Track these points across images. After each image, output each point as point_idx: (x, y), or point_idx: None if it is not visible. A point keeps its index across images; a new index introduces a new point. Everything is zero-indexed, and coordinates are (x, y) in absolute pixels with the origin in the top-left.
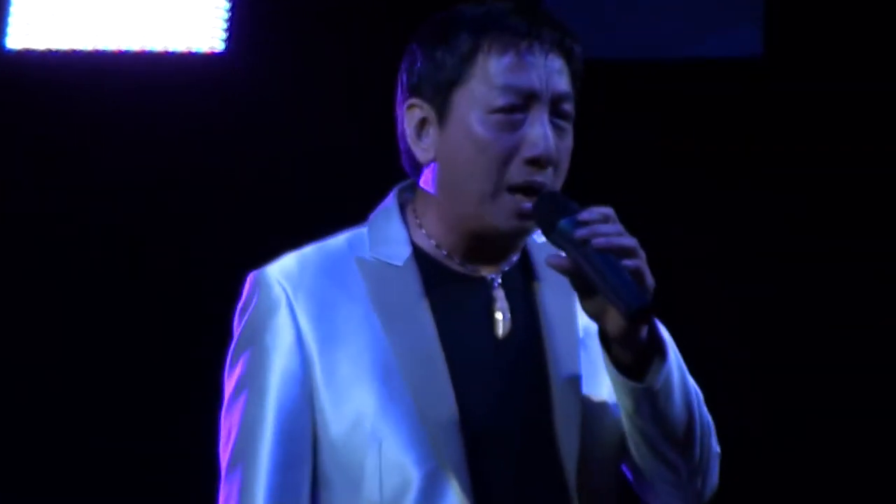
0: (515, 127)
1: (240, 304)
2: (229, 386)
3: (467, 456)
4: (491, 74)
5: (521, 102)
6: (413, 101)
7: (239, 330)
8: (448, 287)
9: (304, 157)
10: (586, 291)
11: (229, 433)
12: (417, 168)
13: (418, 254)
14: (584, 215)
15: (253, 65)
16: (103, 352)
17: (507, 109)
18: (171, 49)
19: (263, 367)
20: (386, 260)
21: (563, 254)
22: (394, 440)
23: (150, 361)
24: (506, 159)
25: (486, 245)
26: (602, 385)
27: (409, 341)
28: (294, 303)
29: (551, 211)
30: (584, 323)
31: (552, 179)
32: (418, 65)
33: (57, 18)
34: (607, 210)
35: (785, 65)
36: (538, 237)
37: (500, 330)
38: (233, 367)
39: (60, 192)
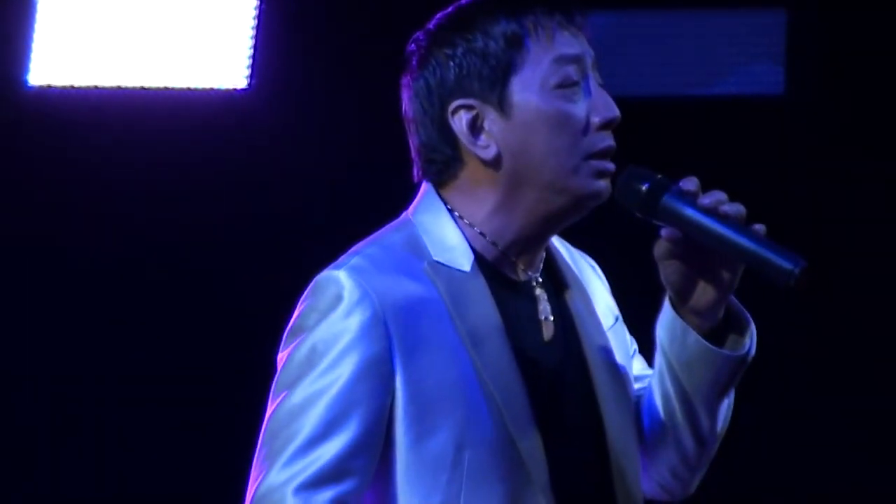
0: (577, 96)
1: (310, 304)
2: (296, 387)
3: (549, 465)
4: (542, 54)
5: (576, 72)
6: (458, 102)
7: (313, 332)
8: (505, 293)
9: (327, 194)
10: (684, 263)
11: (290, 437)
12: (449, 174)
13: (477, 258)
14: (688, 185)
15: (276, 102)
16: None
17: (568, 82)
18: (193, 87)
19: (353, 373)
20: (454, 266)
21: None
22: (478, 457)
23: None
24: (581, 130)
25: (548, 233)
26: (626, 377)
27: (491, 354)
28: (383, 309)
29: (643, 187)
30: (602, 320)
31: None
32: (455, 63)
33: (79, 55)
34: (696, 178)
35: (805, 103)
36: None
37: (546, 333)
38: (306, 368)
39: (82, 229)
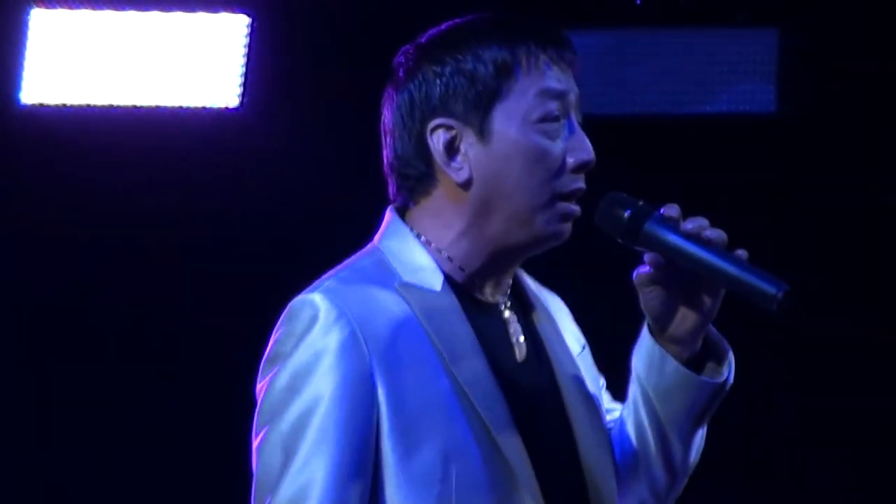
0: (557, 134)
1: (286, 331)
2: (281, 415)
3: (538, 481)
4: (530, 85)
5: (558, 108)
6: (438, 121)
7: (292, 358)
8: (475, 312)
9: (320, 212)
10: (665, 290)
11: (285, 466)
12: (419, 191)
13: (447, 279)
14: (670, 212)
15: (268, 121)
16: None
17: (549, 117)
18: (185, 105)
19: (334, 396)
20: (426, 286)
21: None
22: (466, 471)
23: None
24: (556, 170)
25: (510, 262)
26: (598, 403)
27: (470, 369)
28: (360, 330)
29: (625, 213)
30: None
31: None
32: (441, 82)
33: (71, 74)
34: (677, 206)
35: (797, 121)
36: None
37: (518, 354)
38: (288, 395)
39: (76, 247)
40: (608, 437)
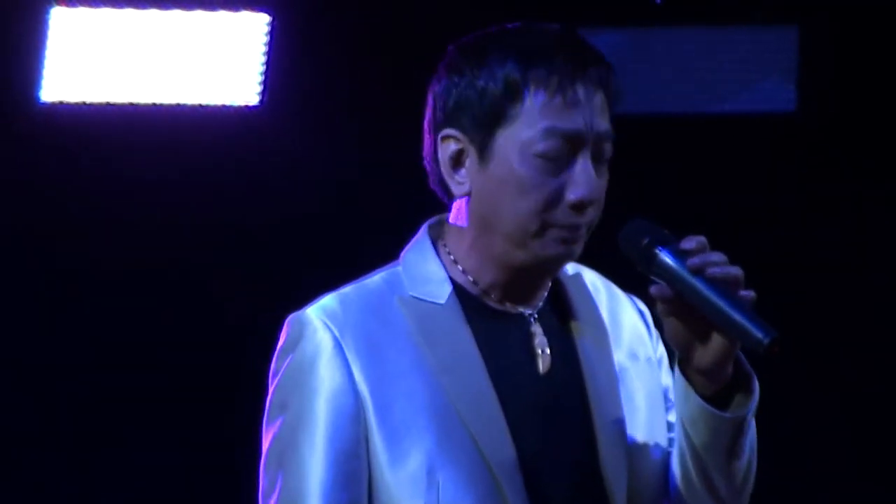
0: (560, 169)
1: (280, 347)
2: (274, 427)
3: (528, 495)
4: (537, 116)
5: (567, 145)
6: (448, 132)
7: (281, 374)
8: (489, 324)
9: (339, 209)
10: (682, 322)
11: (275, 480)
12: (446, 198)
13: (458, 290)
14: (686, 244)
15: (288, 118)
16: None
17: (551, 155)
18: (205, 103)
19: (314, 408)
20: (429, 299)
21: (658, 284)
22: (452, 481)
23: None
24: (550, 202)
25: (522, 279)
26: (641, 422)
27: (461, 380)
28: (343, 343)
29: (644, 240)
30: (618, 359)
31: (591, 217)
32: (456, 91)
33: (91, 72)
34: (702, 238)
35: (817, 120)
36: (570, 269)
37: (542, 366)
38: (278, 411)
39: (96, 244)
40: (651, 456)
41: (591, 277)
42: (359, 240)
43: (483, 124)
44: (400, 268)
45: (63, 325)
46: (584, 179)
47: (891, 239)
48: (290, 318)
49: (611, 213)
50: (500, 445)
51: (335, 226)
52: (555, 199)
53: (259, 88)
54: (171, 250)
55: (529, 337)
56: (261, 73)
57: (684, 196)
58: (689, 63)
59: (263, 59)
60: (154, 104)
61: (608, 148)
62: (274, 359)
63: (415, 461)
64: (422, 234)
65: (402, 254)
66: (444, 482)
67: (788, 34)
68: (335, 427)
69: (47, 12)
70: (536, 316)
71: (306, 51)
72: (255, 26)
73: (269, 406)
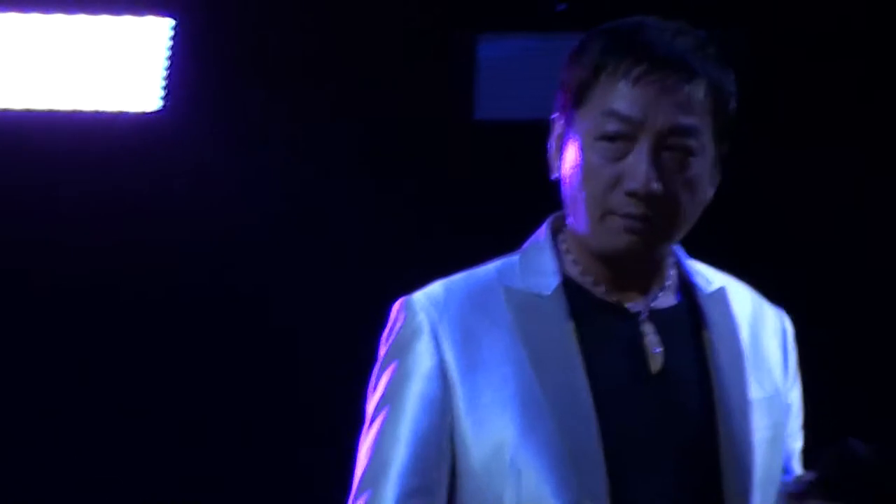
0: (621, 156)
1: (386, 329)
2: (370, 408)
3: (610, 489)
4: (603, 99)
5: (627, 131)
6: (556, 113)
7: (383, 353)
8: (596, 317)
9: (240, 214)
10: None
11: (362, 456)
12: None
13: (568, 283)
14: None
15: (190, 125)
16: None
17: (612, 137)
18: (105, 109)
19: (402, 390)
20: (535, 290)
21: None
22: (533, 471)
23: None
24: (608, 188)
25: (615, 269)
26: (757, 459)
27: (553, 372)
28: (438, 328)
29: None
30: (753, 381)
31: (657, 213)
32: (565, 72)
33: None
34: None
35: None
36: (707, 287)
37: (653, 364)
38: (374, 389)
39: None
40: (759, 494)
41: (740, 292)
42: (263, 244)
43: (568, 105)
44: (517, 258)
45: None
46: (636, 169)
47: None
48: (397, 301)
49: (527, 212)
50: (584, 438)
51: (235, 230)
52: (612, 185)
53: (162, 93)
54: (70, 257)
55: (639, 334)
56: (164, 78)
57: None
58: None
59: (166, 64)
60: (53, 110)
61: (683, 142)
62: (382, 340)
63: (498, 450)
64: (543, 226)
65: (524, 245)
66: (525, 473)
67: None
68: (418, 412)
69: None
70: (647, 314)
71: (209, 56)
72: (158, 31)
73: (371, 384)
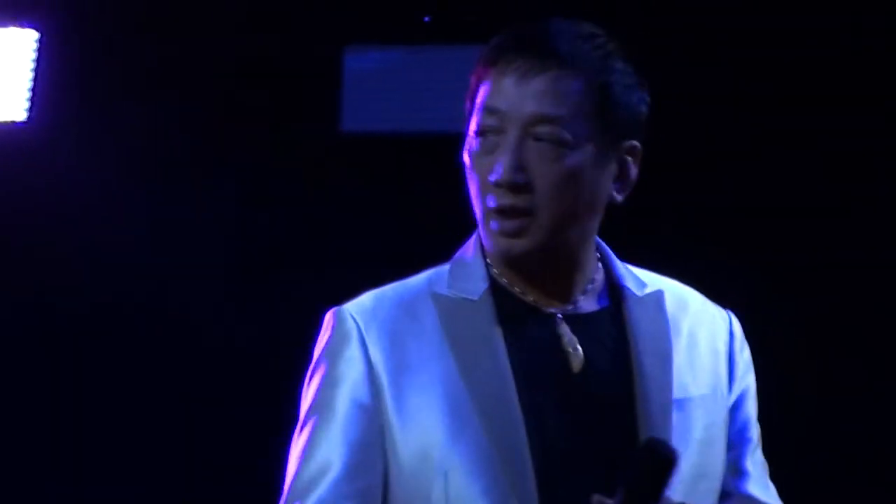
0: (492, 150)
1: (318, 339)
2: (301, 413)
3: (539, 488)
4: (482, 97)
5: (497, 124)
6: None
7: (314, 360)
8: (520, 321)
9: (106, 226)
10: None
11: (293, 461)
12: None
13: (496, 287)
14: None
15: (55, 135)
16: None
17: (483, 132)
18: None
19: (333, 396)
20: (463, 295)
21: None
22: (461, 471)
23: None
24: (485, 185)
25: (523, 271)
26: (691, 456)
27: (480, 373)
28: (366, 334)
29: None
30: (686, 386)
31: (532, 206)
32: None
33: None
34: None
35: None
36: (638, 291)
37: (574, 365)
38: (305, 396)
39: None
40: (694, 492)
41: (681, 296)
42: (127, 256)
43: (468, 110)
44: (448, 266)
45: None
46: (500, 160)
47: None
48: (328, 312)
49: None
50: (511, 437)
51: (104, 241)
52: (485, 179)
53: (27, 105)
54: None
55: (556, 336)
56: (29, 90)
57: (457, 213)
58: (457, 80)
59: (31, 75)
60: None
61: (548, 131)
62: (314, 349)
63: (426, 451)
64: (473, 235)
65: (456, 252)
66: (452, 473)
67: None
68: (350, 417)
69: None
70: (561, 316)
71: (74, 67)
72: (22, 42)
73: (302, 392)
